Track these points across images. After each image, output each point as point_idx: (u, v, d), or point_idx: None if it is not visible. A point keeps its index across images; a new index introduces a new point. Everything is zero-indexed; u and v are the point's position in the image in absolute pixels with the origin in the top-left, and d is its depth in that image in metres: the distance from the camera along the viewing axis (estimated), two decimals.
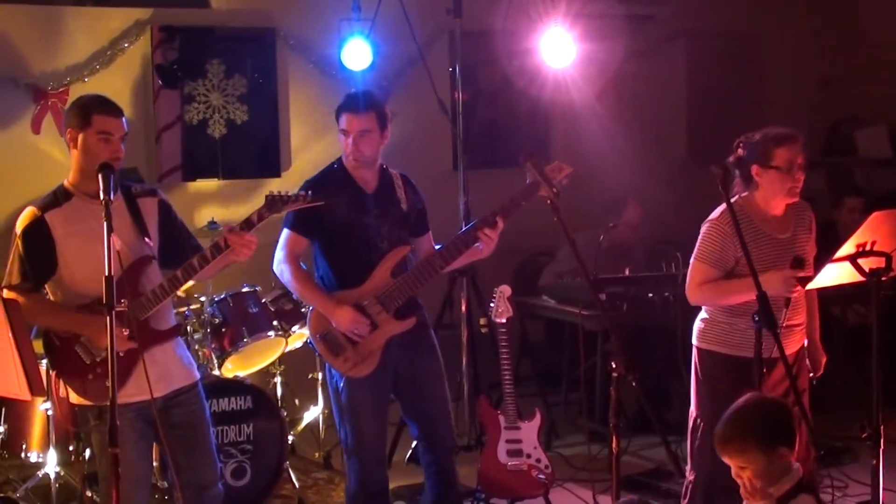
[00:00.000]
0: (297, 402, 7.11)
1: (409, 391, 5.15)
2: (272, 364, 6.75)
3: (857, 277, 4.37)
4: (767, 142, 4.79)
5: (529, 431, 5.82)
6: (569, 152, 8.84)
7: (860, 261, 4.32)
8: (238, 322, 6.30)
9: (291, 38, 8.05)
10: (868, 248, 4.32)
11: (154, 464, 5.33)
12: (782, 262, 4.69)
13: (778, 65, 10.05)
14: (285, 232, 5.04)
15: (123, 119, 4.33)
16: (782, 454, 3.70)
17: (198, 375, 4.57)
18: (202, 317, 6.30)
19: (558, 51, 7.47)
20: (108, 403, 3.75)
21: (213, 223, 6.54)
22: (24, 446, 6.02)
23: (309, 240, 5.04)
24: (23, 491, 5.96)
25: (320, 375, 6.90)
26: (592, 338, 7.04)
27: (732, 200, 4.60)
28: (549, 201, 4.42)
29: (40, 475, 5.94)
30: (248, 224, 4.30)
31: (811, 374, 5.07)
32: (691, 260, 4.88)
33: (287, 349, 6.62)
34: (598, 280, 6.75)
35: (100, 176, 4.00)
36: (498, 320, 5.78)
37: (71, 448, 5.93)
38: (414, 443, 6.20)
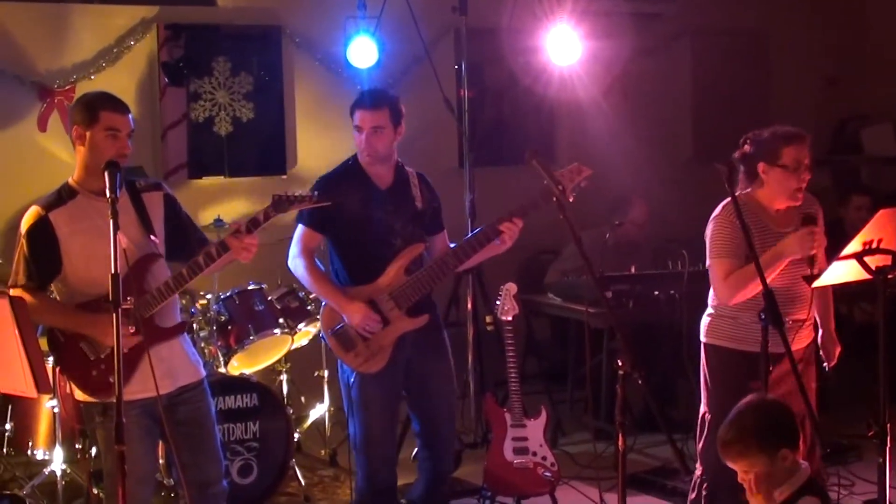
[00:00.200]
0: (303, 399, 7.12)
1: (417, 389, 5.17)
2: (278, 362, 6.75)
3: (864, 275, 4.37)
4: (776, 140, 4.79)
5: (535, 429, 5.81)
6: (574, 150, 8.85)
7: (866, 258, 4.31)
8: (244, 320, 6.31)
9: (297, 36, 8.05)
10: (874, 245, 4.31)
11: (160, 461, 5.34)
12: None
13: (784, 63, 10.03)
14: (300, 227, 5.07)
15: (130, 115, 4.33)
16: (784, 455, 3.70)
17: (204, 373, 4.57)
18: (208, 314, 6.31)
19: (564, 48, 7.46)
20: (113, 400, 3.76)
21: (218, 220, 6.55)
22: (30, 444, 6.04)
23: (323, 235, 5.07)
24: (29, 488, 5.96)
25: (326, 373, 6.91)
26: (598, 335, 7.05)
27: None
28: (554, 199, 4.43)
29: (47, 472, 5.96)
30: (254, 223, 4.31)
31: (825, 364, 5.07)
32: (709, 263, 4.83)
33: (293, 347, 6.62)
34: (604, 278, 6.76)
35: (106, 174, 4.01)
36: (504, 318, 5.78)
37: (77, 445, 5.94)
38: None
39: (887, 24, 9.93)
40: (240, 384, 6.07)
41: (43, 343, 4.33)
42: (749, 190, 4.86)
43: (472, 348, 6.99)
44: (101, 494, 5.72)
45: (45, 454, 6.02)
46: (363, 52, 7.52)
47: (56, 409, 5.80)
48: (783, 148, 4.76)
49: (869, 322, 7.14)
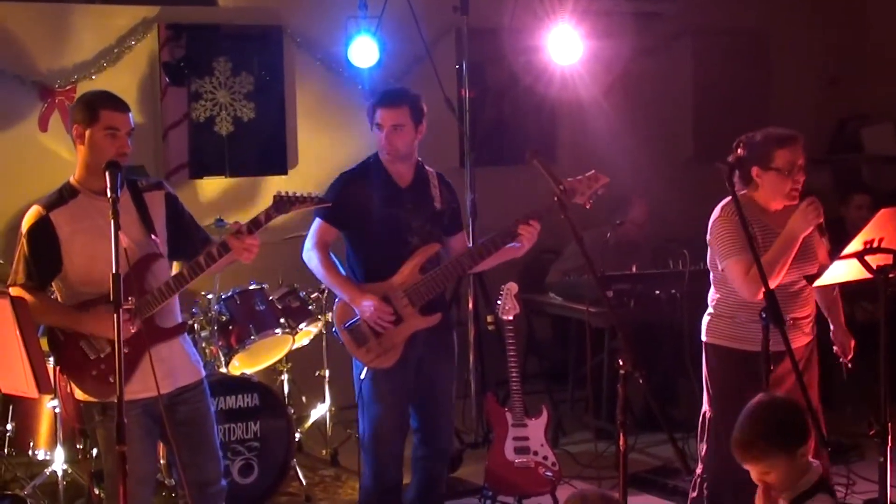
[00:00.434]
0: (304, 399, 7.12)
1: (423, 386, 5.18)
2: (279, 361, 6.75)
3: (865, 274, 4.36)
4: (768, 143, 4.77)
5: (536, 429, 5.82)
6: (575, 149, 8.85)
7: (867, 258, 4.31)
8: (245, 319, 6.31)
9: (298, 36, 8.05)
10: (875, 245, 4.31)
11: (161, 461, 5.34)
12: None
13: (784, 62, 10.03)
14: (317, 221, 5.11)
15: (129, 114, 4.34)
16: (803, 453, 3.70)
17: (203, 373, 4.57)
18: (209, 314, 6.31)
19: (565, 48, 7.46)
20: (113, 399, 3.77)
21: (220, 221, 6.55)
22: (31, 444, 6.04)
23: (339, 230, 5.09)
24: (30, 489, 5.96)
25: (327, 373, 6.91)
26: (599, 335, 7.05)
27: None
28: (556, 198, 4.43)
29: (48, 473, 5.96)
30: (255, 224, 4.31)
31: (842, 360, 5.06)
32: (723, 265, 4.78)
33: (294, 346, 6.62)
34: (605, 277, 6.76)
35: (107, 174, 4.01)
36: (505, 317, 5.78)
37: (79, 446, 5.94)
38: None
39: (888, 23, 9.93)
40: (241, 384, 6.07)
41: (43, 343, 4.33)
42: (745, 192, 4.85)
43: (474, 348, 6.99)
44: (102, 495, 5.74)
45: (46, 454, 6.02)
46: (364, 51, 7.52)
47: (57, 410, 5.81)
48: (776, 151, 4.74)
49: (870, 321, 7.13)
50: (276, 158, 8.08)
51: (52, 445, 5.95)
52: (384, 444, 5.10)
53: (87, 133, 4.25)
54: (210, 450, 4.53)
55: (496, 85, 8.79)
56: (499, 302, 5.81)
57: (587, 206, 4.86)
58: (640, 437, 6.82)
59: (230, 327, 6.30)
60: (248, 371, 6.38)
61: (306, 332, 6.69)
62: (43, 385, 3.95)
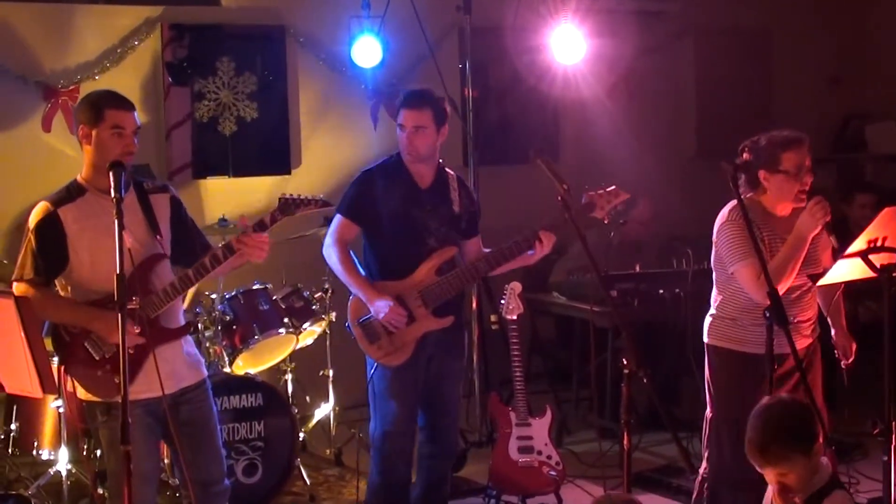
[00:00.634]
0: (308, 399, 7.12)
1: (432, 385, 5.20)
2: (283, 361, 6.75)
3: (869, 273, 4.36)
4: (774, 146, 4.75)
5: (540, 428, 5.82)
6: (579, 149, 8.85)
7: (871, 257, 4.30)
8: (249, 319, 6.30)
9: (301, 36, 8.05)
10: (879, 243, 4.30)
11: (165, 461, 5.34)
12: None
13: (788, 61, 10.02)
14: (337, 217, 5.14)
15: (135, 113, 4.34)
16: (816, 451, 3.72)
17: (205, 373, 4.58)
18: (213, 314, 6.31)
19: (568, 47, 7.47)
20: (116, 399, 3.77)
21: (223, 220, 6.56)
22: (35, 444, 6.04)
23: (359, 227, 5.12)
24: (34, 488, 5.97)
25: (331, 372, 6.91)
26: (603, 334, 7.04)
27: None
28: (559, 198, 4.43)
29: (52, 472, 5.96)
30: (260, 226, 4.32)
31: (843, 362, 5.06)
32: (733, 269, 4.75)
33: (298, 346, 6.62)
34: (609, 276, 6.76)
35: (111, 174, 4.02)
36: (508, 317, 5.78)
37: (83, 446, 5.94)
38: None
39: (891, 21, 9.91)
40: (245, 384, 6.06)
41: (48, 343, 4.33)
42: (751, 195, 4.83)
43: (477, 347, 7.00)
44: (106, 494, 5.74)
45: (50, 454, 6.02)
46: (367, 51, 7.53)
47: (61, 410, 5.81)
48: (782, 154, 4.72)
49: (874, 320, 7.12)
50: (280, 158, 8.08)
51: (56, 445, 5.96)
52: (391, 442, 5.13)
53: (93, 133, 4.25)
54: (213, 449, 4.54)
55: (499, 84, 8.79)
56: (502, 301, 5.82)
57: (606, 222, 4.88)
58: (644, 437, 6.82)
59: (234, 327, 6.30)
60: (252, 371, 6.39)
61: (310, 332, 6.69)
62: (47, 385, 3.95)
